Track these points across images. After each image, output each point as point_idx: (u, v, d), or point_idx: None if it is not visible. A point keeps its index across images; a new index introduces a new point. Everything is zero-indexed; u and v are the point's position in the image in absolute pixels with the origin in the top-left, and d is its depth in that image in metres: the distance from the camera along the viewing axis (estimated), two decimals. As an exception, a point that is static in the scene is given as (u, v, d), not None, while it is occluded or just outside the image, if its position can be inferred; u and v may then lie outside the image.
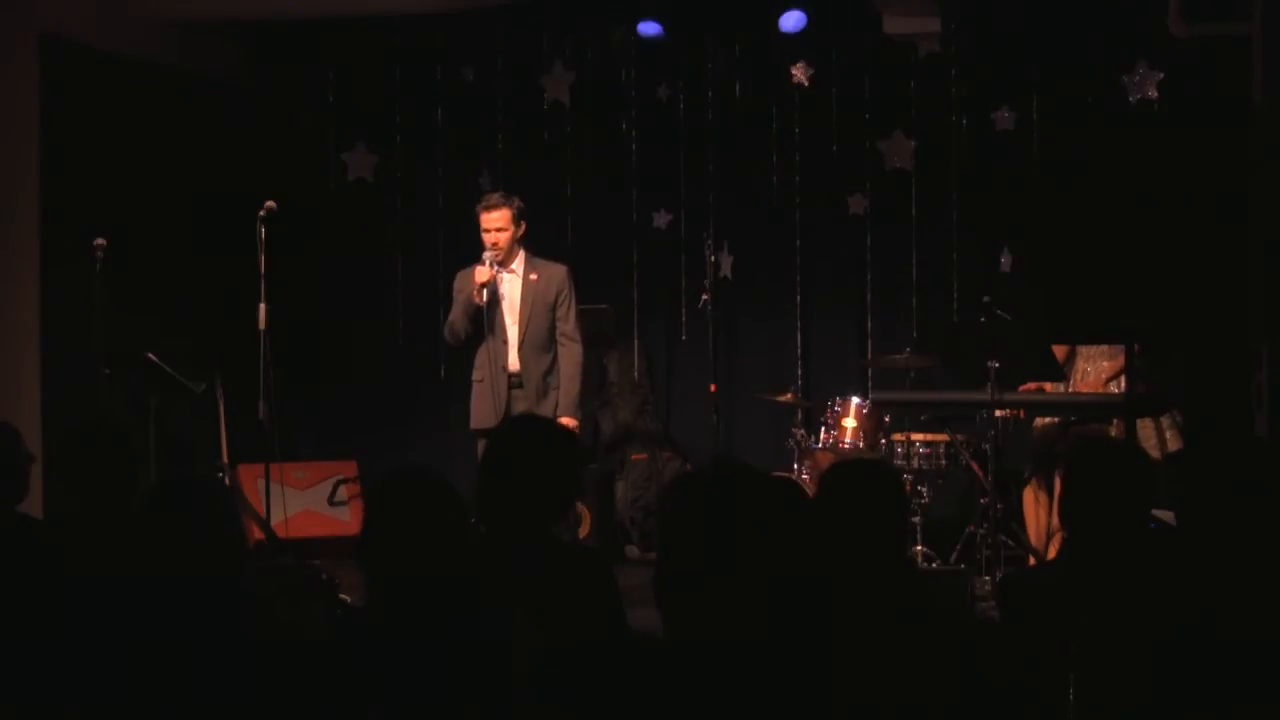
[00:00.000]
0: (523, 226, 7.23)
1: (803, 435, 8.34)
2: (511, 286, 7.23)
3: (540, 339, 7.19)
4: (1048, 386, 7.34)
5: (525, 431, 3.96)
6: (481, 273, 7.09)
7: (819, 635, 2.92)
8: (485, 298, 7.10)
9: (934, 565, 7.53)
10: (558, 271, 7.28)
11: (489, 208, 7.19)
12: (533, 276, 7.20)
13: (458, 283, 7.36)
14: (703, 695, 2.67)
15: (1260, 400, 6.57)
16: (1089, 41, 8.56)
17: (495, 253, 7.13)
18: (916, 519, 7.60)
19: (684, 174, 9.44)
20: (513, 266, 7.22)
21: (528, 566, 3.54)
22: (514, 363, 7.15)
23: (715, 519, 2.76)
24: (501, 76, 9.57)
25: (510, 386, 7.12)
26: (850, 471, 3.49)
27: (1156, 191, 5.86)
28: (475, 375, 7.28)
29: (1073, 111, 8.59)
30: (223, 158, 9.14)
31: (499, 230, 7.15)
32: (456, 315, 7.27)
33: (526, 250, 7.28)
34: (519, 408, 7.05)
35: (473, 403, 7.28)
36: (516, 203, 7.22)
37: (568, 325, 7.23)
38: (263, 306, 7.16)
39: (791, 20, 8.97)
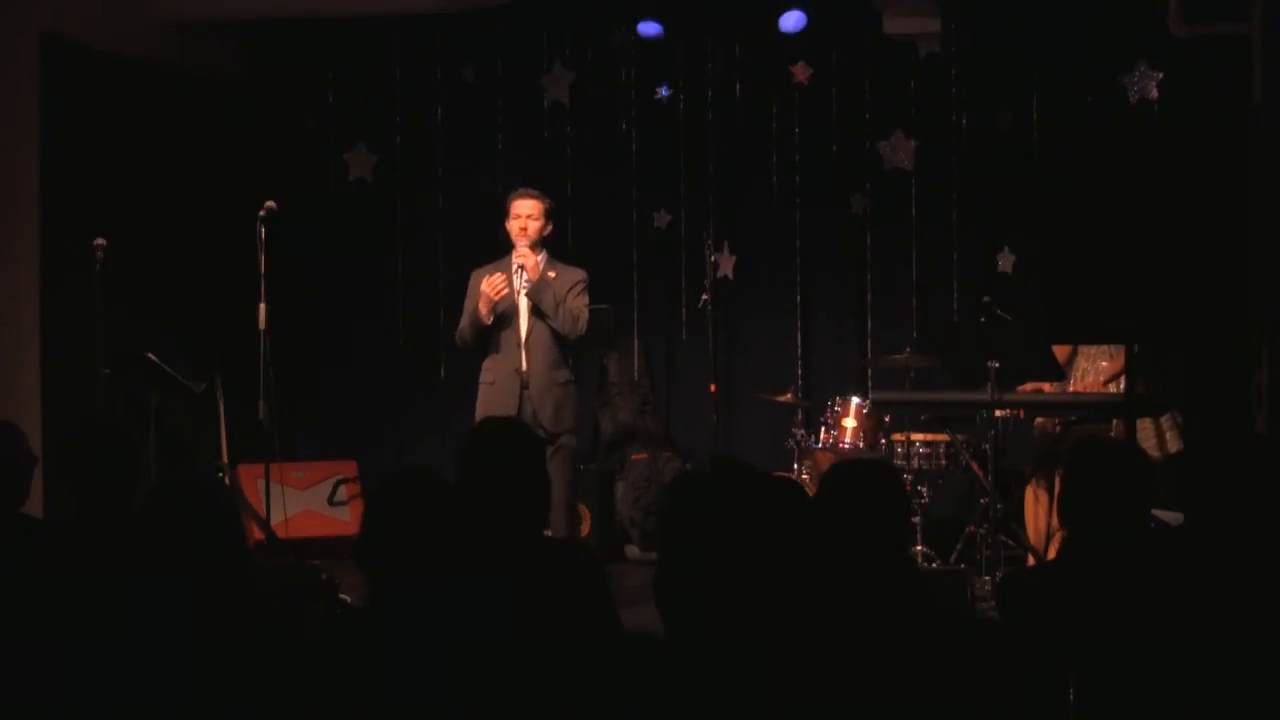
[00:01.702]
0: (550, 226, 7.21)
1: (803, 435, 8.34)
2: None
3: (551, 339, 7.15)
4: (1046, 386, 7.34)
5: (490, 433, 3.94)
6: (494, 285, 7.03)
7: (818, 635, 2.92)
8: (490, 320, 7.07)
9: (934, 565, 7.53)
10: (577, 272, 7.26)
11: (523, 195, 7.17)
12: (551, 274, 7.16)
13: (474, 281, 7.29)
14: (702, 694, 2.67)
15: (1260, 400, 6.56)
16: (1089, 41, 8.56)
17: (525, 239, 7.08)
18: (916, 519, 7.60)
19: (684, 174, 9.44)
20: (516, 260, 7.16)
21: (514, 564, 3.53)
22: (523, 364, 7.12)
23: (715, 519, 2.77)
24: (501, 76, 9.57)
25: (521, 387, 7.09)
26: (850, 471, 3.49)
27: (1156, 191, 5.85)
28: (485, 377, 7.19)
29: (1073, 111, 8.58)
30: (223, 158, 9.14)
31: (529, 217, 7.12)
32: (466, 324, 7.23)
33: (549, 253, 7.23)
34: (528, 409, 7.02)
35: (480, 403, 7.18)
36: (549, 200, 7.22)
37: (578, 302, 7.17)
38: (263, 306, 7.15)
39: (791, 20, 8.98)
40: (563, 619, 3.38)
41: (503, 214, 7.23)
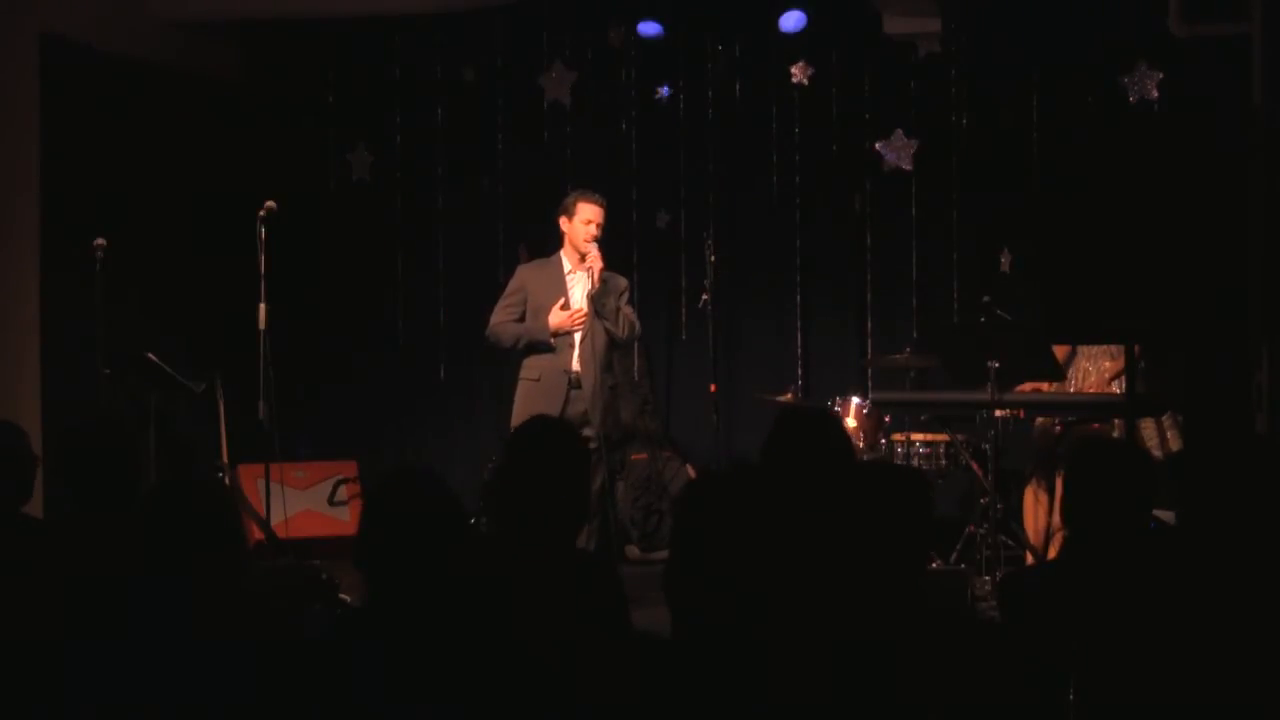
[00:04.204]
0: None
1: (803, 435, 8.31)
2: (582, 286, 7.16)
3: (606, 343, 7.14)
4: (1045, 386, 7.33)
5: (540, 434, 3.91)
6: (574, 319, 7.05)
7: (821, 635, 2.92)
8: (556, 344, 7.08)
9: (934, 565, 7.52)
10: (622, 279, 7.30)
11: (594, 200, 7.20)
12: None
13: (520, 279, 7.29)
14: (706, 692, 2.67)
15: (1260, 400, 6.57)
16: (1089, 41, 8.55)
17: (595, 243, 7.07)
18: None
19: (684, 174, 9.44)
20: (586, 264, 7.16)
21: (534, 570, 3.53)
22: (575, 363, 7.10)
23: (730, 518, 2.77)
24: (501, 76, 9.57)
25: (570, 386, 7.08)
26: (872, 474, 3.49)
27: (1156, 192, 5.86)
28: (529, 374, 7.17)
29: (1073, 111, 8.58)
30: (223, 158, 9.14)
31: (600, 226, 7.14)
32: (513, 333, 7.20)
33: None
34: (576, 409, 7.01)
35: (520, 400, 7.14)
36: None
37: (627, 308, 7.20)
38: (263, 306, 7.14)
39: (791, 20, 8.98)
40: (573, 622, 3.38)
41: (559, 212, 7.24)
